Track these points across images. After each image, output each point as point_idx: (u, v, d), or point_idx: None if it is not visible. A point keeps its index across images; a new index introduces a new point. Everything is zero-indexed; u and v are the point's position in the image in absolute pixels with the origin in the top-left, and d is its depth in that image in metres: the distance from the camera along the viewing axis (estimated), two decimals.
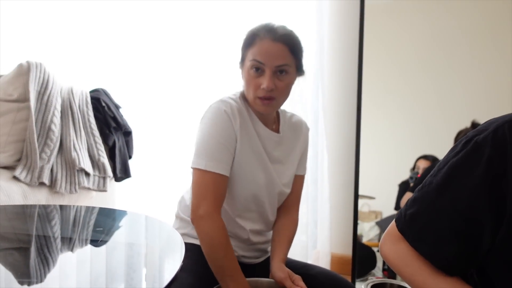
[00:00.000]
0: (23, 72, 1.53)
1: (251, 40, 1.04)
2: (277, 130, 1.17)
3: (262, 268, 1.17)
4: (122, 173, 1.86)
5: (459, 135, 1.93)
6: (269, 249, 1.22)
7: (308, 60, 1.99)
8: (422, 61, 2.02)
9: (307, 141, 1.25)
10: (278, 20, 1.89)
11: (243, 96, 1.13)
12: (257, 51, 1.02)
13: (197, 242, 1.09)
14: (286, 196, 1.20)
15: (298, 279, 1.01)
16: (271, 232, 1.22)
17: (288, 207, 1.22)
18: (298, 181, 1.23)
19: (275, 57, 1.01)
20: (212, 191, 1.01)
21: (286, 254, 1.13)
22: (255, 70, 1.02)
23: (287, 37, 1.03)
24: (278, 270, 1.04)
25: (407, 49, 2.05)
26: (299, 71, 1.09)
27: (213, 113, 1.06)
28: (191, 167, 1.05)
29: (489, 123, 0.65)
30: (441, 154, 1.97)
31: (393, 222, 0.76)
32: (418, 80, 2.03)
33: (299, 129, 1.23)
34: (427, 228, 0.69)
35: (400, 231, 0.73)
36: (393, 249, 0.74)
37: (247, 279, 1.05)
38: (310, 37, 1.98)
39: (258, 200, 1.12)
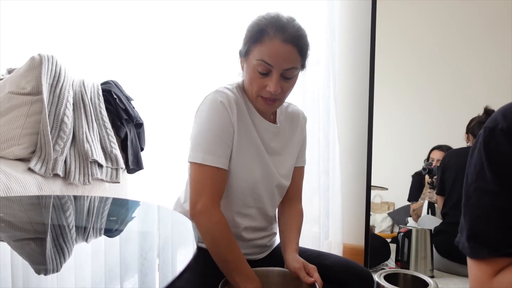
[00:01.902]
0: (35, 65, 1.54)
1: (259, 36, 0.97)
2: (274, 121, 1.14)
3: (265, 264, 1.15)
4: (134, 164, 1.87)
5: (471, 122, 1.90)
6: (269, 243, 1.21)
7: (319, 48, 1.96)
8: (437, 48, 1.98)
9: (304, 132, 1.22)
10: (288, 6, 1.90)
11: (240, 87, 1.09)
12: (266, 52, 0.96)
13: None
14: (285, 188, 1.17)
15: (313, 269, 0.99)
16: (270, 227, 1.20)
17: (291, 199, 1.21)
18: (298, 173, 1.21)
19: (284, 60, 0.96)
20: (210, 185, 0.98)
21: (298, 243, 1.12)
22: (261, 70, 0.98)
23: (298, 38, 0.97)
24: (293, 260, 1.02)
25: (421, 36, 2.01)
26: (303, 66, 1.05)
27: (209, 104, 1.02)
28: (188, 161, 1.02)
29: (492, 115, 0.64)
30: (455, 144, 1.94)
31: (470, 265, 0.66)
32: (432, 69, 1.99)
33: (296, 119, 1.20)
34: (497, 233, 0.62)
35: (474, 255, 0.65)
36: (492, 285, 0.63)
37: (258, 268, 1.05)
38: (320, 24, 1.95)
39: (256, 194, 1.09)
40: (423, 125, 2.01)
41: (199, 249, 1.05)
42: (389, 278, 1.14)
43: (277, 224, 1.25)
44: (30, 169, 1.44)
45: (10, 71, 1.77)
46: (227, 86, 1.07)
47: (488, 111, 1.84)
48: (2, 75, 1.77)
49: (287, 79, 1.00)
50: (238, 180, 1.06)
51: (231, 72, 2.00)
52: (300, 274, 0.98)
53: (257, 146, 1.08)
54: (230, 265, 0.97)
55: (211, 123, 1.00)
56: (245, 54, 1.02)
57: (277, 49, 0.95)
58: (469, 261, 0.67)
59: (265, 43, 0.96)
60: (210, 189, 0.99)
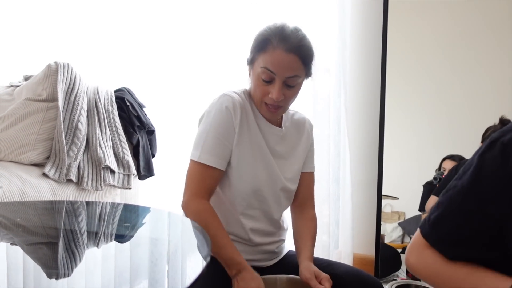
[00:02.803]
0: (52, 72, 1.58)
1: (263, 45, 1.02)
2: (279, 126, 1.17)
3: (274, 271, 1.14)
4: (146, 171, 1.89)
5: (487, 132, 1.87)
6: (277, 250, 1.21)
7: (330, 57, 1.97)
8: (447, 57, 1.97)
9: (311, 138, 1.25)
10: (299, 16, 1.92)
11: (247, 93, 1.14)
12: (269, 60, 1.01)
13: None
14: (292, 193, 1.19)
15: (325, 279, 0.99)
16: (278, 233, 1.20)
17: (302, 205, 1.22)
18: (308, 178, 1.23)
19: (286, 69, 1.01)
20: (198, 180, 1.04)
21: (312, 251, 1.11)
22: (265, 77, 1.02)
23: (300, 49, 1.01)
24: (305, 270, 1.02)
25: (431, 45, 2.00)
26: (308, 75, 1.08)
27: (214, 107, 1.07)
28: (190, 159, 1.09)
29: (507, 125, 0.65)
30: (467, 154, 1.92)
31: (418, 231, 0.74)
32: (443, 77, 1.97)
33: (302, 126, 1.23)
34: (451, 231, 0.67)
35: (424, 236, 0.71)
36: (420, 259, 0.71)
37: (266, 276, 1.04)
38: (332, 34, 1.96)
39: (260, 196, 1.11)
40: (434, 135, 1.99)
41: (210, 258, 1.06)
42: None
43: (285, 232, 1.25)
44: (44, 174, 1.47)
45: (26, 78, 1.82)
46: (235, 90, 1.12)
47: (503, 121, 1.82)
48: (19, 82, 1.81)
49: (290, 87, 1.04)
50: (242, 181, 1.09)
51: (242, 80, 2.02)
52: (311, 283, 0.98)
53: (261, 148, 1.11)
54: (215, 250, 0.98)
55: (213, 125, 1.05)
56: (251, 62, 1.08)
57: (280, 58, 1.00)
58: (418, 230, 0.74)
59: (269, 52, 1.01)
60: (198, 183, 1.04)
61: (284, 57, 1.00)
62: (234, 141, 1.07)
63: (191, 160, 1.07)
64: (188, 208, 1.03)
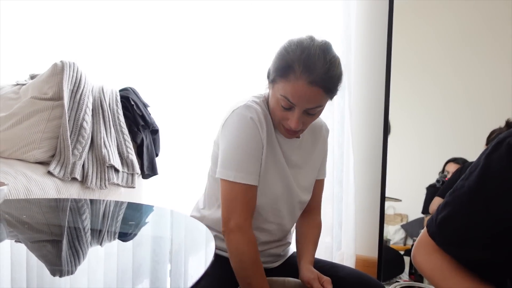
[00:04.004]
0: (58, 71, 1.59)
1: (285, 71, 0.92)
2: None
3: (280, 273, 1.14)
4: (149, 170, 1.90)
5: (492, 134, 1.86)
6: (282, 253, 1.20)
7: None
8: (451, 60, 1.96)
9: (326, 144, 1.20)
10: (303, 19, 1.92)
11: (266, 100, 1.07)
12: (289, 91, 0.92)
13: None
14: (306, 203, 1.16)
15: (327, 282, 0.98)
16: (285, 238, 1.20)
17: (310, 211, 1.20)
18: (318, 185, 1.20)
19: (308, 101, 0.93)
20: (241, 202, 0.98)
21: (313, 256, 1.11)
22: (284, 104, 0.95)
23: (326, 80, 0.91)
24: (307, 271, 1.02)
25: (436, 48, 1.99)
26: (331, 99, 1.00)
27: (239, 120, 0.99)
28: (218, 177, 1.01)
29: None
30: (470, 157, 1.91)
31: (425, 229, 0.74)
32: (447, 80, 1.97)
33: (319, 132, 1.17)
34: (458, 231, 0.67)
35: (431, 235, 0.72)
36: (427, 260, 0.72)
37: (274, 278, 1.05)
38: (336, 36, 1.96)
39: (276, 209, 1.08)
40: (438, 137, 1.99)
41: (215, 255, 1.06)
42: None
43: (291, 235, 1.25)
44: (49, 172, 1.48)
45: (33, 77, 1.83)
46: (255, 99, 1.04)
47: (509, 124, 1.81)
48: (25, 81, 1.83)
49: (310, 114, 0.98)
50: (260, 195, 1.04)
51: (245, 80, 2.03)
52: (313, 285, 0.98)
53: (279, 160, 1.06)
54: None
55: (242, 140, 0.98)
56: (271, 81, 0.99)
57: (302, 90, 0.91)
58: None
59: (291, 81, 0.91)
60: (242, 206, 0.98)
61: (306, 90, 0.90)
62: (262, 155, 1.02)
63: (225, 181, 0.99)
64: (234, 238, 0.97)
